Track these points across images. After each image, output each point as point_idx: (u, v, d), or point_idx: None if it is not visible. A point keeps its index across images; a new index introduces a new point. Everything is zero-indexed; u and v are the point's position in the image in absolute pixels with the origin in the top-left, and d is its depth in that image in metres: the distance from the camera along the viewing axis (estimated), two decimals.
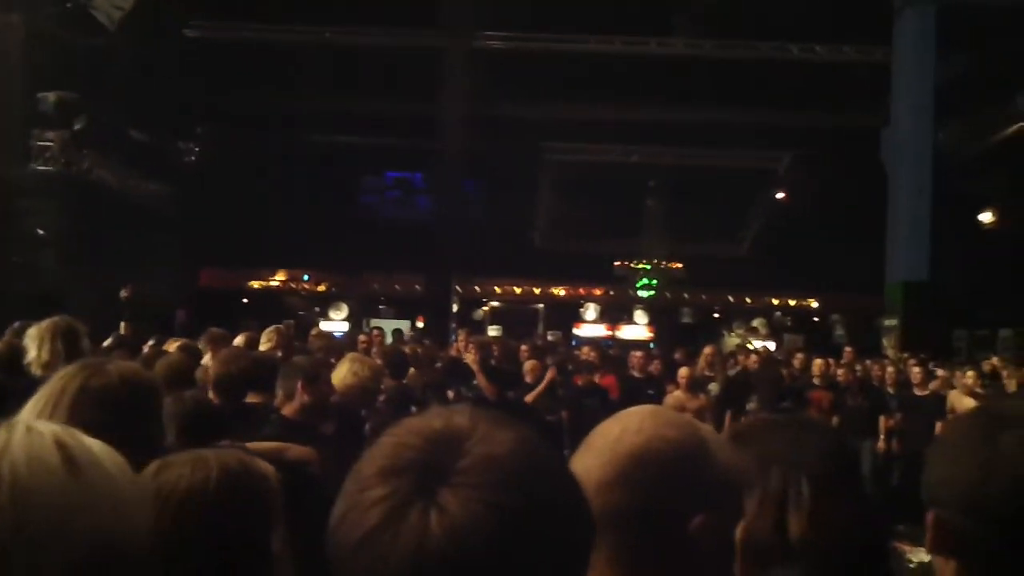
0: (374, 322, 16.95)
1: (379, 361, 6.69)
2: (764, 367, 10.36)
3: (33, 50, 12.66)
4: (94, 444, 0.93)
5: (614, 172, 21.91)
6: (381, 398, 6.43)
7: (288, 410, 4.00)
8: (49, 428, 0.91)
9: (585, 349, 11.00)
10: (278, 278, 22.87)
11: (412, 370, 7.72)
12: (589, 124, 20.09)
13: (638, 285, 23.41)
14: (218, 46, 17.83)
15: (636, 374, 9.97)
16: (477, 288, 22.61)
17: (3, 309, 9.05)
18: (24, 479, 0.84)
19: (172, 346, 6.08)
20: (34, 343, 4.02)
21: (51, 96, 13.30)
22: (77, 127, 13.98)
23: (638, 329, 23.28)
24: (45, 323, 4.10)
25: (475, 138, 18.37)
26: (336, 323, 20.22)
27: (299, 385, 4.05)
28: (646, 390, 9.30)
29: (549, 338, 17.77)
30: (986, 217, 18.61)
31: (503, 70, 18.28)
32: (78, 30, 13.72)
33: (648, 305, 23.48)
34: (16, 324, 5.21)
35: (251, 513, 1.43)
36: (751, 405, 9.57)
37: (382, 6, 16.96)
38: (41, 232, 12.97)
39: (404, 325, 16.49)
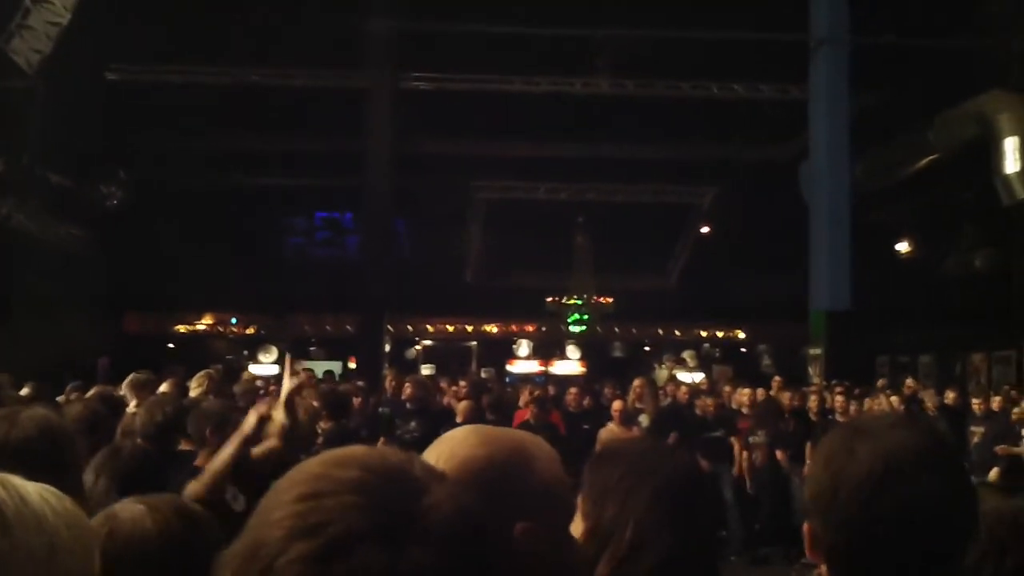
0: (305, 364, 16.73)
1: (314, 403, 6.64)
2: (766, 403, 10.65)
3: None
4: (34, 492, 0.91)
5: (543, 209, 22.16)
6: (319, 440, 6.38)
7: (201, 459, 3.91)
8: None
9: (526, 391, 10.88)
10: (205, 322, 22.44)
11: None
12: (516, 161, 20.35)
13: (570, 320, 23.59)
14: (140, 88, 17.62)
15: (572, 409, 10.05)
16: (409, 327, 22.53)
17: None
18: None
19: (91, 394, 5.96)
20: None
21: None
22: None
23: (571, 364, 23.44)
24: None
25: (403, 176, 18.44)
26: (265, 366, 19.93)
27: (207, 432, 4.00)
28: (582, 424, 9.39)
29: (483, 375, 17.77)
30: (903, 247, 19.28)
31: (429, 109, 18.44)
32: None
33: (580, 340, 23.67)
34: None
35: (201, 560, 1.43)
36: (756, 438, 10.01)
37: (306, 47, 17.00)
38: None
39: (335, 366, 16.34)
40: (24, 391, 6.54)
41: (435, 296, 21.10)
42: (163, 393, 5.76)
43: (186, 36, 16.77)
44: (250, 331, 22.39)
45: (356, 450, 0.77)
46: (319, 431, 6.63)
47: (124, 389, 6.11)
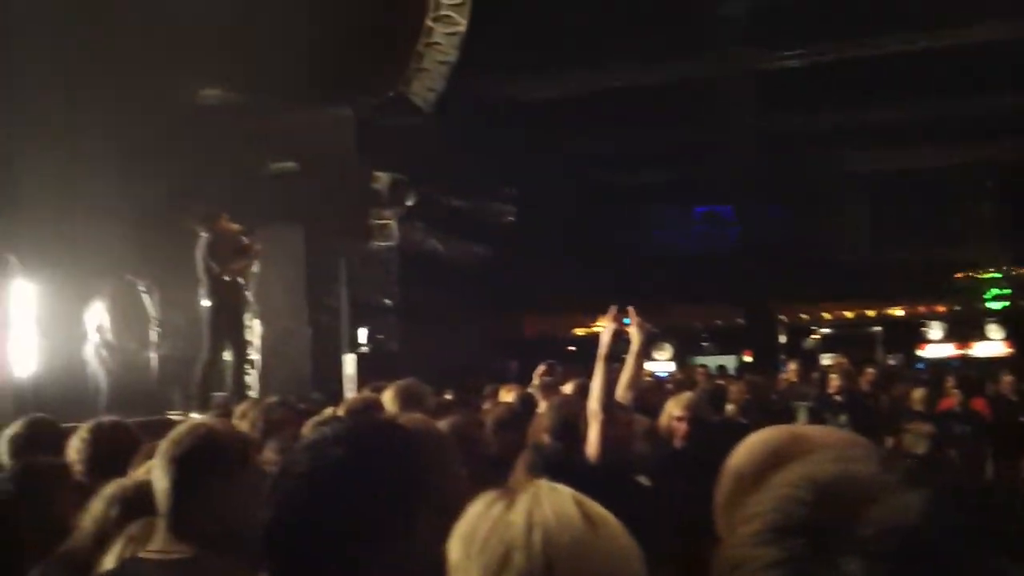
0: (698, 359, 16.69)
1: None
2: None
3: (364, 137, 14.04)
4: (596, 504, 1.10)
5: (932, 175, 20.06)
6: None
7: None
8: (566, 489, 1.10)
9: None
10: (600, 323, 23.21)
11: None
12: (891, 127, 18.62)
13: (987, 297, 21.10)
14: (529, 106, 18.64)
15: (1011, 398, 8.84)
16: (804, 315, 21.53)
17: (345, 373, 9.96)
18: (553, 529, 1.02)
19: (508, 395, 6.32)
20: (386, 400, 4.35)
21: (384, 177, 14.61)
22: (409, 204, 15.23)
23: (994, 345, 20.93)
24: (392, 385, 4.42)
25: (773, 159, 17.73)
26: (660, 363, 20.15)
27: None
28: (1017, 415, 8.25)
29: (890, 362, 16.47)
30: None
31: (793, 85, 17.52)
32: (399, 115, 15.04)
33: (1003, 318, 21.06)
34: (370, 385, 5.76)
35: None
36: None
37: (653, 40, 16.82)
38: (388, 302, 14.20)
39: (729, 361, 16.07)
40: (447, 396, 7.15)
41: (827, 280, 19.96)
42: (566, 394, 5.96)
43: (548, 44, 17.38)
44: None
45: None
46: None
47: (533, 390, 6.41)
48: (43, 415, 4.01)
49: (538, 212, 19.15)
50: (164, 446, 2.08)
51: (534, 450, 3.93)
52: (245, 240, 9.47)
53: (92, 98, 9.86)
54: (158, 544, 2.00)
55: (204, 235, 9.03)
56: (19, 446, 3.55)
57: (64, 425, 3.87)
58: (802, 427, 1.25)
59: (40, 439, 3.58)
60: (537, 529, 1.01)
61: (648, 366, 17.72)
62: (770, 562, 0.69)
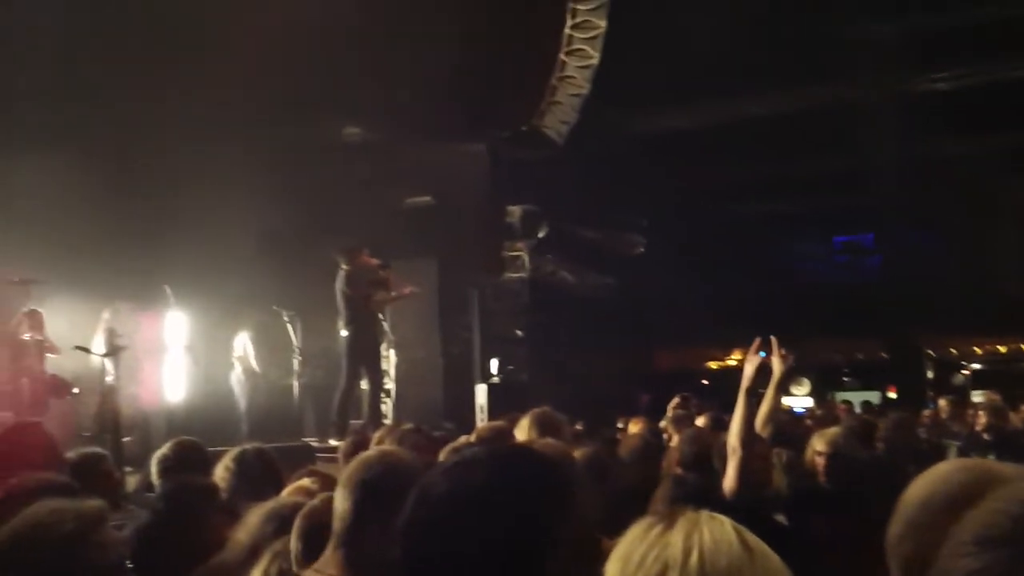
0: (838, 395, 16.08)
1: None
2: None
3: (498, 170, 14.28)
4: (753, 535, 1.11)
5: None
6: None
7: None
8: (725, 518, 1.11)
9: None
10: (734, 357, 22.72)
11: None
12: None
13: None
14: (662, 136, 18.53)
15: None
16: (953, 350, 20.44)
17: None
18: (711, 553, 1.05)
19: (635, 427, 6.27)
20: (521, 432, 4.36)
21: (516, 210, 14.79)
22: (540, 235, 15.36)
23: None
24: (529, 413, 4.43)
25: (919, 185, 16.97)
26: (797, 398, 19.50)
27: None
28: None
29: None
30: None
31: (942, 109, 16.77)
32: (532, 147, 15.23)
33: None
34: (504, 416, 5.79)
35: None
36: None
37: (789, 66, 16.41)
38: (519, 333, 14.31)
39: (873, 396, 15.42)
40: (578, 427, 7.15)
41: (978, 312, 18.91)
42: (698, 427, 5.87)
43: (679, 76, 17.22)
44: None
45: None
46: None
47: (665, 423, 6.33)
48: (191, 438, 4.18)
49: (670, 243, 18.95)
50: (352, 468, 2.10)
51: (674, 482, 3.88)
52: (382, 274, 9.83)
53: (243, 136, 10.40)
54: (324, 564, 2.02)
55: (344, 268, 9.39)
56: (167, 467, 3.73)
57: (211, 449, 4.05)
58: (990, 462, 1.26)
59: (187, 461, 3.75)
60: (695, 551, 1.04)
61: (784, 401, 17.19)
62: (970, 571, 0.74)
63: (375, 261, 9.82)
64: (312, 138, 11.91)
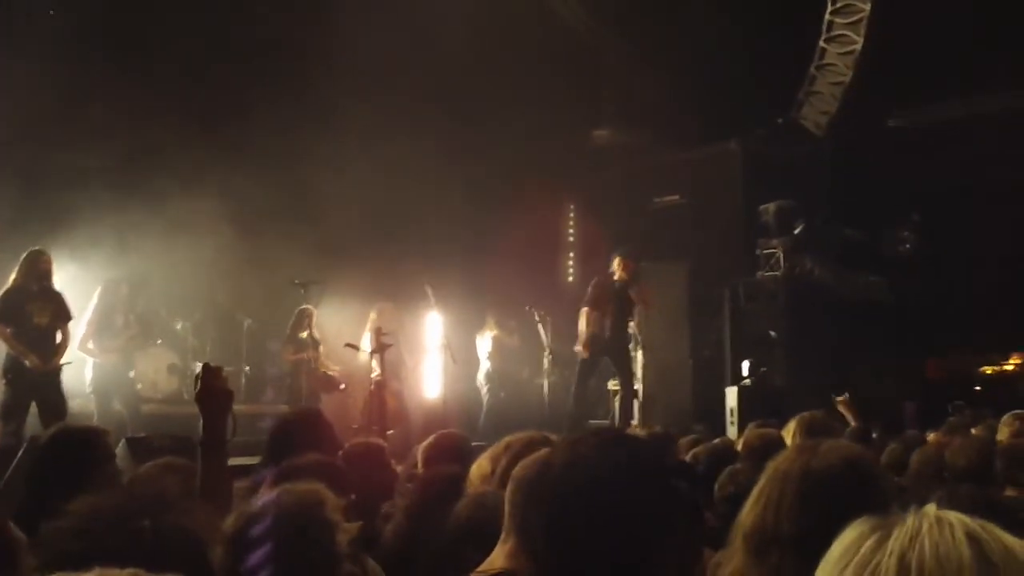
0: None
1: None
2: None
3: (751, 168, 13.84)
4: (1014, 542, 0.89)
5: None
6: None
7: None
8: (961, 520, 0.90)
9: None
10: (1013, 361, 20.58)
11: None
12: None
13: None
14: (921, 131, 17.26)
15: None
16: None
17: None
18: (933, 573, 0.84)
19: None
20: (787, 434, 4.32)
21: (771, 207, 14.25)
22: (796, 232, 14.68)
23: None
24: (796, 417, 4.34)
25: None
26: None
27: None
28: None
29: None
30: None
31: None
32: (788, 142, 14.61)
33: None
34: (755, 421, 5.74)
35: None
36: None
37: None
38: (772, 334, 13.76)
39: None
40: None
41: None
42: (975, 437, 5.48)
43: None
44: None
45: None
46: None
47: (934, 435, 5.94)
48: (453, 430, 4.46)
49: (942, 241, 17.49)
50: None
51: (950, 489, 3.63)
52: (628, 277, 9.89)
53: (510, 141, 10.86)
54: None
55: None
56: (428, 457, 3.96)
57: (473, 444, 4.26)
58: None
59: (446, 452, 3.96)
60: (912, 571, 0.85)
61: None
62: None
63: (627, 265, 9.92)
64: (565, 141, 12.15)
